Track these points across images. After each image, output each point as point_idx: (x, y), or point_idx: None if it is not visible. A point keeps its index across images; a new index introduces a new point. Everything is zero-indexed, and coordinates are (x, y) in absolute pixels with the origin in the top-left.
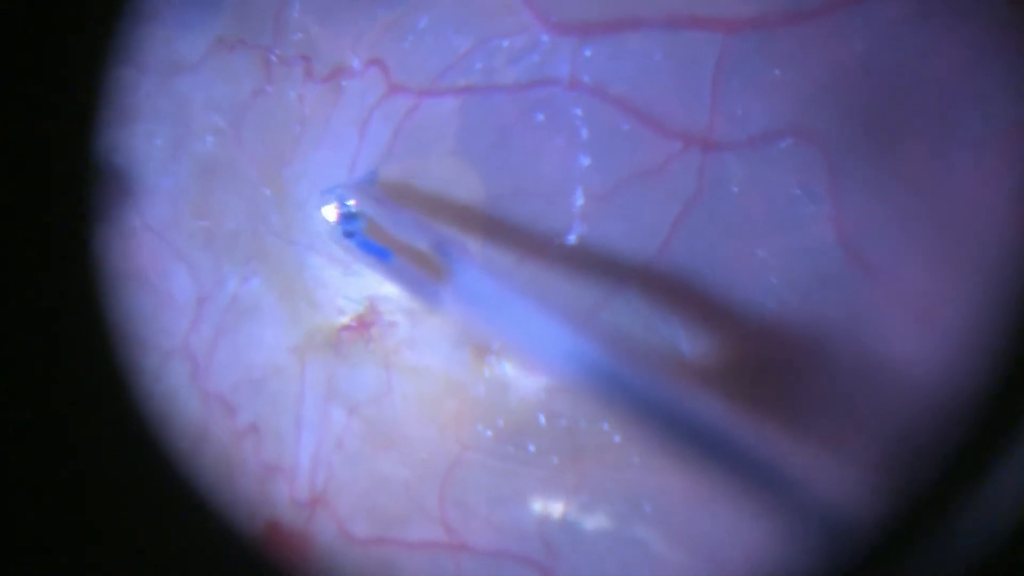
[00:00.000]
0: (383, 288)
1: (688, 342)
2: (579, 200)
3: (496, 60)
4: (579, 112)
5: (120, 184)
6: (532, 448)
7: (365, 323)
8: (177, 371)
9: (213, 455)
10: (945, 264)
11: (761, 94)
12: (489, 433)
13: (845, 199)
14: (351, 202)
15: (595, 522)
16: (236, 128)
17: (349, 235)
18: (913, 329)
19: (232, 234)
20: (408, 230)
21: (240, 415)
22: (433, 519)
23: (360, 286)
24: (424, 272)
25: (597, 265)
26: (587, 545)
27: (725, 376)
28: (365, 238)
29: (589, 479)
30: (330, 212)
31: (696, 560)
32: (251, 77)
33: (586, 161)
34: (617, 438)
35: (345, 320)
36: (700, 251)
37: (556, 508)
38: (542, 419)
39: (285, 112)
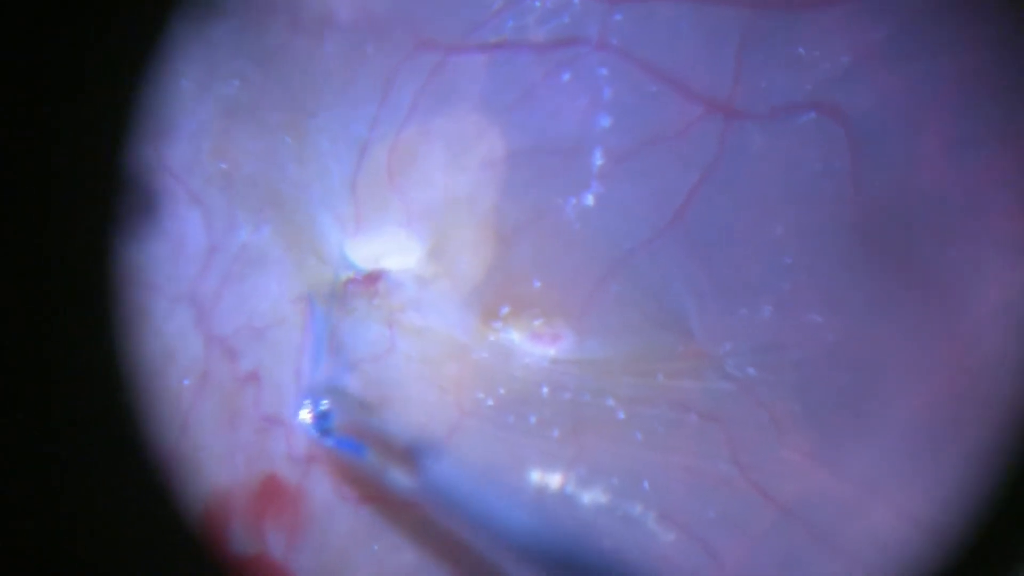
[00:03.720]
0: (389, 248)
1: (697, 319)
2: (598, 160)
3: (527, 19)
4: (604, 72)
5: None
6: (533, 419)
7: (372, 278)
8: (182, 315)
9: (214, 400)
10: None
11: (784, 69)
12: (490, 401)
13: (866, 179)
14: (324, 403)
15: (592, 496)
16: (263, 75)
17: (325, 433)
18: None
19: (250, 178)
20: (381, 428)
21: (242, 361)
22: None
23: (367, 247)
24: (398, 466)
25: (612, 228)
26: (583, 519)
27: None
28: (340, 435)
29: (589, 453)
30: (305, 414)
31: (691, 542)
32: (280, 27)
33: (607, 121)
34: (621, 415)
35: (351, 274)
36: (715, 222)
37: (553, 480)
38: (545, 390)
39: (312, 63)
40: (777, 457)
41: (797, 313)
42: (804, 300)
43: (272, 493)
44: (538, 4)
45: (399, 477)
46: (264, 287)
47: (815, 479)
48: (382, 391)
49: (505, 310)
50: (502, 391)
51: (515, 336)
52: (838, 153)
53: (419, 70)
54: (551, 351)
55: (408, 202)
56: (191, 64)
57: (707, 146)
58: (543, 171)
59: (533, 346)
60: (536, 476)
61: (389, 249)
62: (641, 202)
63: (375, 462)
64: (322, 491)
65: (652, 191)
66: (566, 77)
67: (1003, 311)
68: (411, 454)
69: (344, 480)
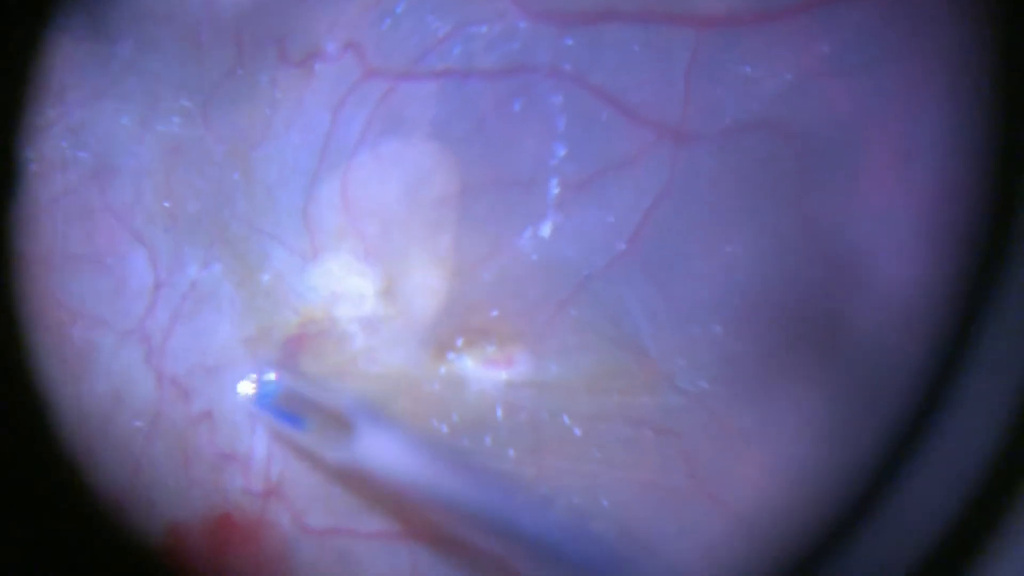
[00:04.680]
0: (343, 286)
1: (652, 337)
2: (555, 189)
3: (475, 45)
4: (558, 100)
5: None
6: (488, 441)
7: (314, 333)
8: (132, 351)
9: (168, 440)
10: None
11: (732, 89)
12: (444, 428)
13: (814, 196)
14: (270, 375)
15: (553, 515)
16: (205, 109)
17: (264, 405)
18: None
19: (195, 216)
20: (320, 398)
21: (195, 401)
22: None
23: (318, 286)
24: (335, 433)
25: (569, 256)
26: (544, 537)
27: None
28: (279, 407)
29: (548, 472)
30: (246, 386)
31: (650, 557)
32: (222, 58)
33: (562, 150)
34: (578, 432)
35: (296, 321)
36: (669, 244)
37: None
38: (499, 413)
39: (256, 95)
40: (731, 468)
41: (748, 328)
42: (755, 316)
43: (230, 528)
44: (484, 30)
45: (337, 447)
46: (215, 324)
47: (767, 488)
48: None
49: (460, 341)
50: (456, 418)
51: (469, 363)
52: (786, 171)
53: (368, 98)
54: (504, 375)
55: (363, 235)
56: (130, 102)
57: (659, 171)
58: (500, 204)
59: (487, 371)
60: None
61: (344, 287)
62: (597, 229)
63: (314, 433)
64: (283, 523)
65: (607, 218)
66: (518, 106)
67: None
68: (349, 424)
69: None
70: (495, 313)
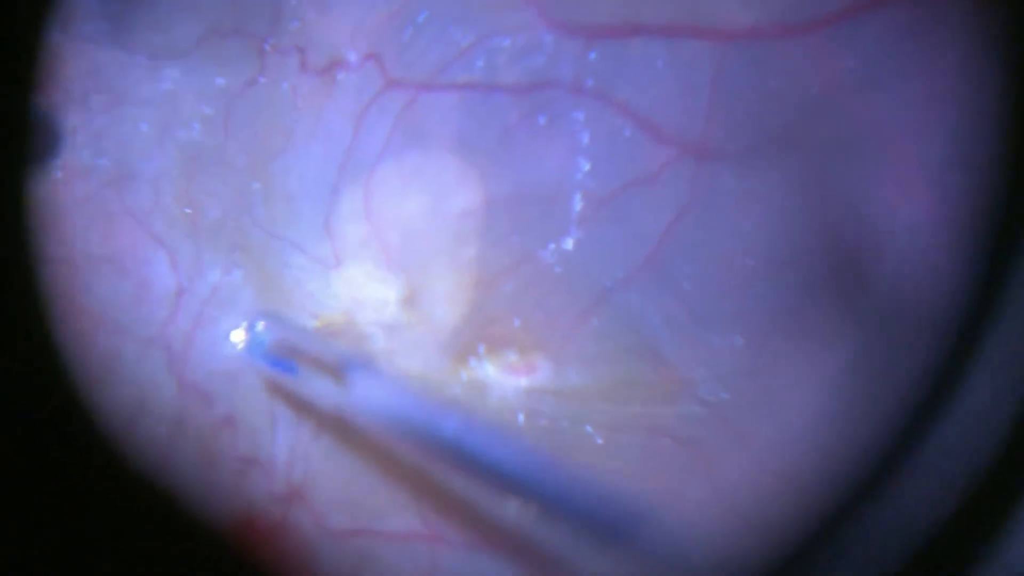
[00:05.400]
0: (364, 293)
1: (672, 347)
2: (578, 205)
3: (498, 58)
4: (581, 116)
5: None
6: None
7: (335, 335)
8: (154, 359)
9: (190, 445)
10: None
11: (755, 105)
12: None
13: (835, 210)
14: (260, 324)
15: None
16: (226, 118)
17: (256, 353)
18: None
19: (216, 223)
20: (312, 346)
21: (217, 406)
22: (410, 511)
23: (339, 293)
24: (326, 380)
25: (591, 269)
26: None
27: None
28: (270, 355)
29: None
30: (238, 334)
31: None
32: (244, 66)
33: (586, 166)
34: (600, 440)
35: (316, 326)
36: (689, 257)
37: (534, 505)
38: (521, 418)
39: (277, 104)
40: (750, 477)
41: (768, 340)
42: (775, 328)
43: (253, 531)
44: (508, 43)
45: (331, 393)
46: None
47: (786, 499)
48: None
49: (482, 348)
50: None
51: (490, 370)
52: (807, 185)
53: (389, 108)
54: (525, 382)
55: (386, 244)
56: (148, 107)
57: (680, 187)
58: (524, 219)
59: (508, 378)
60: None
61: (365, 294)
62: (618, 243)
63: (307, 380)
64: (305, 525)
65: (629, 232)
66: (542, 120)
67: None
68: (341, 370)
69: (279, 397)
70: (517, 323)
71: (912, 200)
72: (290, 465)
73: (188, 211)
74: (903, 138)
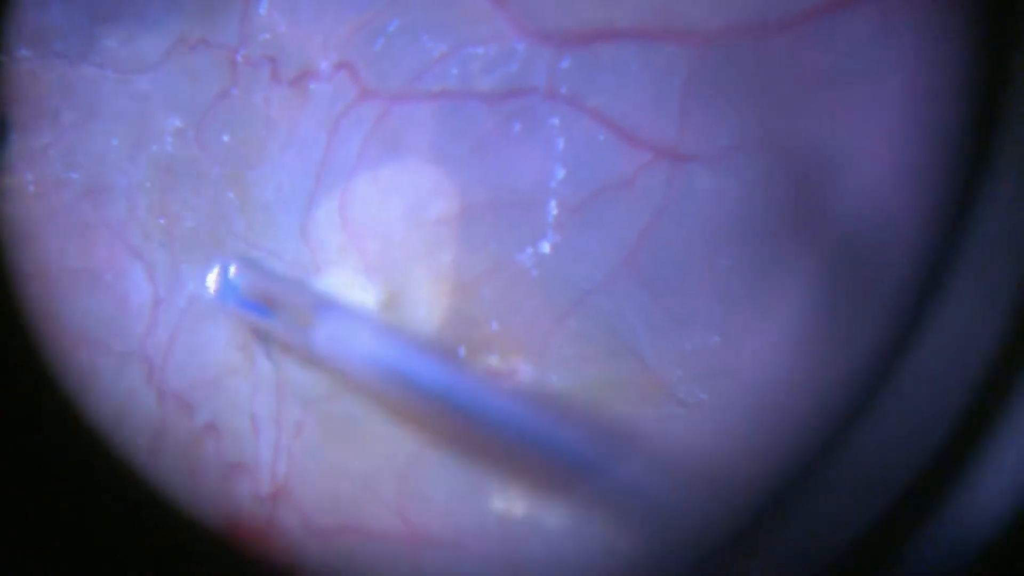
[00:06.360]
0: (343, 299)
1: (651, 349)
2: (554, 210)
3: (472, 66)
4: (556, 123)
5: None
6: None
7: None
8: (133, 372)
9: (173, 454)
10: None
11: (729, 106)
12: None
13: (811, 210)
14: (232, 269)
15: (556, 519)
16: (198, 130)
17: (228, 298)
18: None
19: (192, 233)
20: (284, 289)
21: (198, 414)
22: (391, 511)
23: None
24: (296, 322)
25: (568, 273)
26: (546, 539)
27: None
28: (243, 299)
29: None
30: (212, 280)
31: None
32: (216, 78)
33: (562, 172)
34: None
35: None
36: (666, 259)
37: (518, 504)
38: None
39: (251, 115)
40: (728, 477)
41: (744, 339)
42: (751, 327)
43: (240, 533)
44: (481, 51)
45: (302, 334)
46: (214, 337)
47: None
48: (339, 427)
49: (462, 351)
50: None
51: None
52: (783, 186)
53: (364, 118)
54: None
55: (364, 251)
56: (119, 122)
57: (656, 190)
58: (501, 224)
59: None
60: (498, 503)
61: (345, 300)
62: (595, 246)
63: (280, 321)
64: (291, 525)
65: (605, 235)
66: (518, 128)
67: None
68: (313, 311)
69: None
70: (495, 326)
71: (895, 193)
72: (274, 465)
73: (163, 222)
74: (878, 134)
